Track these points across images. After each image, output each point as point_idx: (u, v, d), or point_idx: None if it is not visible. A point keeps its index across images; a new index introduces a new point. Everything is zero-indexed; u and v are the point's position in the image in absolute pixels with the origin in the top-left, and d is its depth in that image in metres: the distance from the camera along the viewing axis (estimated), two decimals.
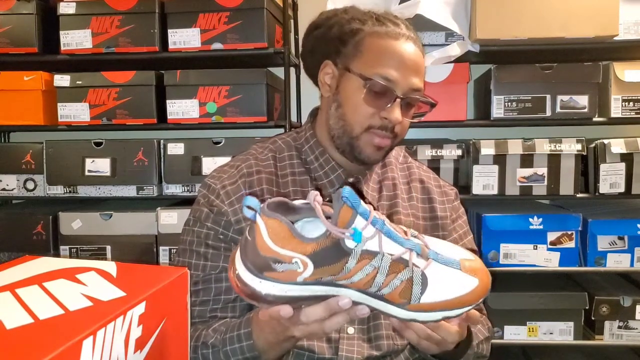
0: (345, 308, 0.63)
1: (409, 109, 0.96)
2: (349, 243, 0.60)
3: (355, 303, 0.64)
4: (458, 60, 1.66)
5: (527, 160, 1.67)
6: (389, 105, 0.92)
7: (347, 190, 0.59)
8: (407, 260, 0.63)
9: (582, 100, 1.67)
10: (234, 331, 0.84)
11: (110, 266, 0.57)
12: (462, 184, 1.75)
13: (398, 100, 0.92)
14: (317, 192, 0.62)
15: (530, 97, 1.68)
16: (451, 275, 0.65)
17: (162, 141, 1.77)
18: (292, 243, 0.59)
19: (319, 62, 0.99)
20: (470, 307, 0.66)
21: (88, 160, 1.77)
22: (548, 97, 1.68)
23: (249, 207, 0.60)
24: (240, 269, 0.63)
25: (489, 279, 0.67)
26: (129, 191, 1.78)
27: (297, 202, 0.65)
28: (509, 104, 1.69)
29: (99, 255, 1.76)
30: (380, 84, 0.91)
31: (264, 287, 0.61)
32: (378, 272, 0.61)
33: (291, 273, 0.60)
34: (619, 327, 1.71)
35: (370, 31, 0.94)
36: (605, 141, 1.66)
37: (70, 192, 1.79)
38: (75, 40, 1.72)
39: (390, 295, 0.63)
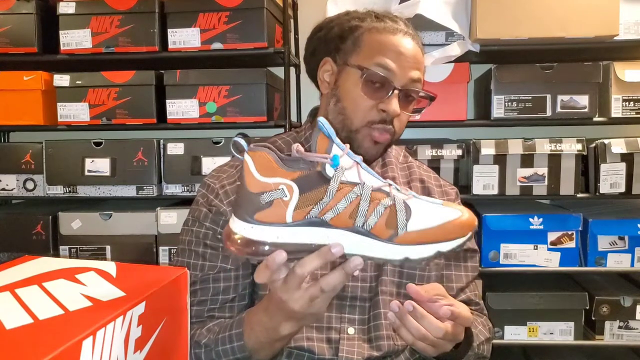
0: (338, 254, 0.63)
1: (408, 103, 0.96)
2: (328, 170, 0.62)
3: (348, 256, 0.64)
4: (458, 60, 1.66)
5: (527, 160, 1.67)
6: (387, 97, 0.92)
7: (322, 120, 0.63)
8: (388, 191, 0.64)
9: (583, 100, 1.67)
10: (226, 331, 0.85)
11: (110, 266, 0.57)
12: (463, 184, 1.75)
13: (396, 91, 0.92)
14: (298, 144, 0.65)
15: (530, 97, 1.68)
16: (434, 207, 0.65)
17: (161, 141, 1.77)
18: (278, 171, 0.62)
19: (319, 62, 1.00)
20: (462, 241, 0.65)
21: (88, 160, 1.76)
22: (548, 97, 1.67)
23: (237, 148, 0.64)
24: (234, 225, 0.64)
25: (473, 215, 0.67)
26: (129, 191, 1.77)
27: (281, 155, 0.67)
28: (509, 103, 1.68)
29: (99, 255, 1.76)
30: (378, 74, 0.91)
31: (256, 232, 0.63)
32: (361, 199, 0.63)
33: (279, 206, 0.62)
34: (620, 327, 1.71)
35: (369, 27, 0.95)
36: (606, 141, 1.66)
37: (70, 192, 1.79)
38: (75, 40, 1.72)
39: (377, 228, 0.63)
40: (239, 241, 0.63)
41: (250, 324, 0.82)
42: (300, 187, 0.62)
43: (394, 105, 0.92)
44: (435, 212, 0.65)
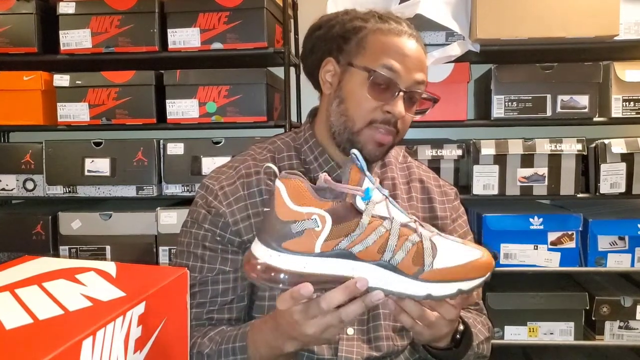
0: (363, 289, 0.63)
1: (412, 105, 0.96)
2: (360, 203, 0.62)
3: (370, 289, 0.65)
4: (458, 60, 1.66)
5: (527, 160, 1.67)
6: (392, 99, 0.92)
7: (356, 152, 0.63)
8: (415, 227, 0.66)
9: (583, 100, 1.67)
10: (229, 343, 0.85)
11: (110, 266, 0.57)
12: (463, 184, 1.75)
13: (401, 93, 0.92)
14: (326, 173, 0.65)
15: (530, 97, 1.68)
16: (456, 246, 0.67)
17: (161, 141, 1.77)
18: (311, 201, 0.62)
19: (319, 61, 0.99)
20: (481, 280, 0.67)
21: (88, 160, 1.76)
22: (548, 97, 1.67)
23: (268, 173, 0.64)
24: (258, 250, 0.64)
25: (491, 256, 0.69)
26: (129, 191, 1.77)
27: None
28: (509, 103, 1.68)
29: (99, 255, 1.76)
30: (385, 76, 0.91)
31: (282, 261, 0.63)
32: (390, 234, 0.63)
33: (309, 236, 0.62)
34: (620, 328, 1.71)
35: (373, 28, 0.95)
36: (606, 141, 1.66)
37: (69, 192, 1.79)
38: (75, 40, 1.72)
39: (404, 264, 0.64)
40: (258, 267, 0.63)
41: (253, 338, 0.82)
42: (333, 218, 0.62)
43: (399, 107, 0.91)
44: (459, 252, 0.66)
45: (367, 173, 0.63)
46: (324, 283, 0.64)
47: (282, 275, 0.63)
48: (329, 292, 0.64)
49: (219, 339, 0.87)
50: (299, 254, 0.62)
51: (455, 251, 0.66)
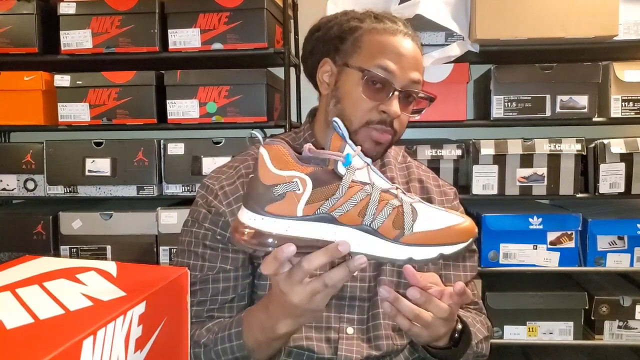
0: (345, 252, 0.64)
1: (408, 104, 0.96)
2: (340, 168, 0.64)
3: (352, 254, 0.65)
4: (458, 60, 1.66)
5: (526, 160, 1.67)
6: (387, 98, 0.92)
7: (336, 120, 0.65)
8: (395, 193, 0.67)
9: (582, 100, 1.67)
10: (225, 331, 0.85)
11: (111, 266, 0.57)
12: (462, 184, 1.75)
13: (397, 93, 0.92)
14: (310, 144, 0.66)
15: (530, 97, 1.68)
16: (438, 212, 0.68)
17: (162, 141, 1.77)
18: (293, 165, 0.64)
19: (318, 62, 1.00)
20: (463, 246, 0.67)
21: (88, 160, 1.77)
22: (548, 97, 1.68)
23: (253, 142, 0.65)
24: (244, 216, 0.65)
25: (474, 223, 0.70)
26: (129, 191, 1.78)
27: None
28: (509, 104, 1.69)
29: (99, 255, 1.76)
30: (379, 75, 0.91)
31: (266, 224, 0.64)
32: (370, 199, 0.64)
33: (291, 199, 0.63)
34: (619, 327, 1.71)
35: (368, 28, 0.95)
36: (605, 141, 1.66)
37: (70, 192, 1.79)
38: (76, 40, 1.73)
39: (384, 228, 0.65)
40: (246, 232, 0.64)
41: (248, 323, 0.82)
42: (314, 182, 0.63)
43: (395, 106, 0.92)
44: (440, 216, 0.67)
45: (349, 140, 0.65)
46: (308, 248, 0.65)
47: (269, 240, 0.64)
48: (310, 254, 0.65)
49: (216, 329, 0.88)
50: (282, 217, 0.64)
51: (436, 216, 0.67)
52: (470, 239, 0.68)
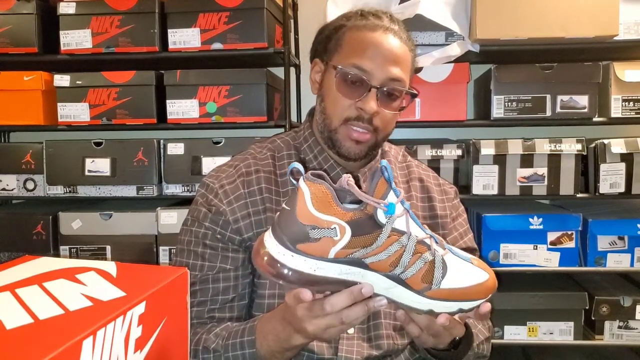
0: (367, 295, 0.64)
1: (390, 100, 0.94)
2: (381, 217, 0.62)
3: (374, 295, 0.65)
4: (458, 60, 1.66)
5: (527, 160, 1.67)
6: (364, 96, 0.91)
7: (385, 163, 0.63)
8: (429, 244, 0.66)
9: (582, 100, 1.67)
10: (237, 338, 0.85)
11: (110, 266, 0.57)
12: (462, 184, 1.75)
13: (373, 90, 0.91)
14: (349, 175, 0.65)
15: (530, 97, 1.68)
16: (466, 266, 0.68)
17: (162, 141, 1.77)
18: (333, 209, 0.62)
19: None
20: (481, 302, 0.68)
21: (88, 160, 1.77)
22: (548, 97, 1.68)
23: (293, 173, 0.63)
24: (271, 245, 0.64)
25: (495, 279, 0.70)
26: (129, 191, 1.78)
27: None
28: (509, 103, 1.69)
29: (99, 255, 1.76)
30: (352, 73, 0.91)
31: (295, 262, 0.63)
32: (405, 250, 0.64)
33: (326, 243, 0.62)
34: (619, 327, 1.71)
35: (351, 25, 0.96)
36: (606, 141, 1.66)
37: (70, 192, 1.79)
38: (75, 40, 1.72)
39: (412, 279, 0.65)
40: (266, 259, 0.64)
41: (262, 332, 0.82)
42: (353, 230, 0.62)
43: (371, 104, 0.91)
44: (467, 273, 0.68)
45: (394, 186, 0.64)
46: (330, 284, 0.65)
47: (289, 273, 0.63)
48: (334, 296, 0.65)
49: (225, 334, 0.87)
50: (312, 257, 0.63)
51: (464, 272, 0.67)
52: (490, 295, 0.68)
